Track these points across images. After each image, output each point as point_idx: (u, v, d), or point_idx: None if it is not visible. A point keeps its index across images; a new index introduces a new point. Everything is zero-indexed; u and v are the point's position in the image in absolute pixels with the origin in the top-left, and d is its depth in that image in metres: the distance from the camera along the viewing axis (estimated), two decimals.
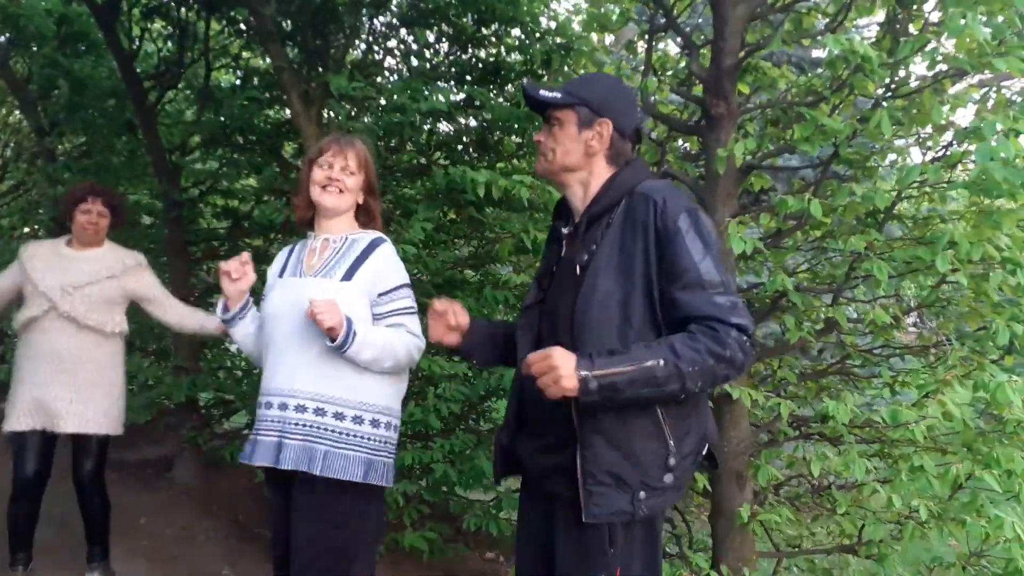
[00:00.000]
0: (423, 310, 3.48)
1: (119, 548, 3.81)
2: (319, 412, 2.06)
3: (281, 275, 2.25)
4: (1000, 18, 2.24)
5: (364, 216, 2.26)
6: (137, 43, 4.76)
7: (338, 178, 2.14)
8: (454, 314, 1.87)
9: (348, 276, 2.10)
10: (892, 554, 2.63)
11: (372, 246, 2.16)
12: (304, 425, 2.06)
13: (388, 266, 2.16)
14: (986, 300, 2.45)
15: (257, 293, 2.32)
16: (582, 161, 1.76)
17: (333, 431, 2.06)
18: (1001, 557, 2.56)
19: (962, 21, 2.02)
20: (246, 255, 2.20)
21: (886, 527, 2.71)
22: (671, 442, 1.64)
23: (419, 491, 3.39)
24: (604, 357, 1.53)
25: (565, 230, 1.83)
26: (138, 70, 4.62)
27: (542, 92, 1.78)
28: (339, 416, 2.07)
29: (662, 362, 1.51)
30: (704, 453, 1.79)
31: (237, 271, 2.18)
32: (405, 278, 2.19)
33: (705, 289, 1.58)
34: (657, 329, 1.63)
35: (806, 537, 3.10)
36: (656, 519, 1.70)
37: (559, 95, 1.76)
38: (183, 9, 4.61)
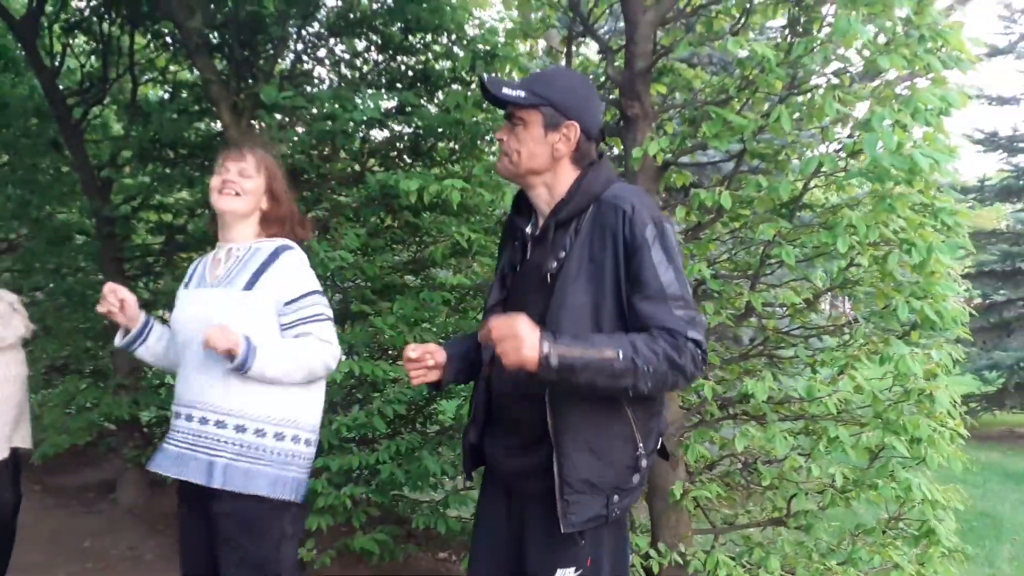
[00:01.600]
0: (363, 316, 3.51)
1: (64, 572, 3.77)
2: (220, 424, 2.04)
3: (187, 286, 2.23)
4: (887, 21, 2.42)
5: (269, 224, 2.20)
6: (59, 59, 4.69)
7: (233, 180, 2.10)
8: (430, 355, 1.80)
9: (249, 285, 2.07)
10: (818, 523, 2.79)
11: (275, 254, 2.12)
12: (206, 437, 2.04)
13: (292, 274, 2.11)
14: (889, 280, 2.63)
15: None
16: (548, 164, 1.72)
17: (235, 444, 2.03)
18: (916, 519, 2.75)
19: (848, 21, 2.18)
20: (108, 286, 2.16)
21: (812, 498, 2.87)
22: (640, 444, 1.67)
23: (366, 493, 3.43)
24: (566, 337, 1.54)
25: (529, 230, 1.80)
26: (61, 87, 4.55)
27: (504, 90, 1.70)
28: (240, 429, 2.04)
29: (621, 355, 1.52)
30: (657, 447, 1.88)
31: (110, 305, 2.13)
32: (313, 285, 2.15)
33: (667, 301, 1.59)
34: None
35: (741, 515, 3.25)
36: (622, 518, 1.75)
37: (522, 94, 1.69)
38: (106, 24, 4.56)
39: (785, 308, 2.97)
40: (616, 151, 3.19)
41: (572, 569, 1.69)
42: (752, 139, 2.53)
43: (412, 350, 1.79)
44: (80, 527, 4.42)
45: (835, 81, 2.68)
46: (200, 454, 2.04)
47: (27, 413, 2.89)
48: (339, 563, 3.62)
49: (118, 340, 2.22)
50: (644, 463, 1.69)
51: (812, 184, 2.75)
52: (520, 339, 1.49)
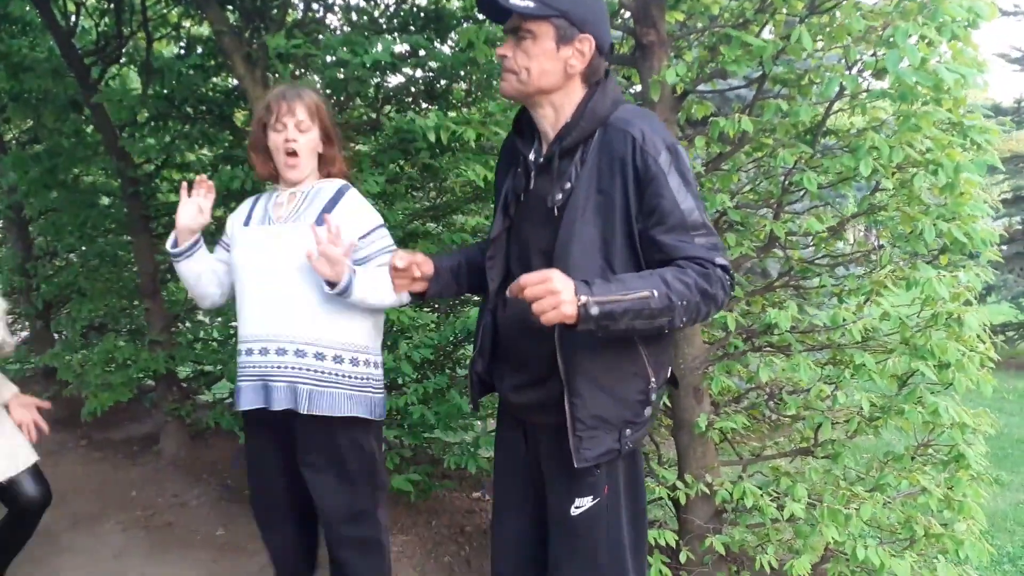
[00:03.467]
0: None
1: (114, 521, 3.94)
2: (299, 354, 2.15)
3: (247, 224, 2.29)
4: None
5: (324, 164, 2.29)
6: (73, 19, 4.68)
7: (293, 139, 2.17)
8: (416, 266, 1.79)
9: (319, 221, 2.13)
10: (845, 452, 2.79)
11: (339, 193, 2.22)
12: (287, 367, 2.15)
13: (359, 209, 2.21)
14: (915, 203, 2.56)
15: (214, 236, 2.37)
16: (560, 82, 1.60)
17: (316, 371, 2.15)
18: (946, 444, 2.74)
19: None
20: (199, 179, 2.24)
21: (840, 428, 2.86)
22: (652, 378, 1.66)
23: (398, 436, 3.50)
24: (600, 284, 1.46)
25: (532, 156, 1.71)
26: (78, 47, 4.55)
27: (512, 0, 1.53)
28: (319, 356, 2.15)
29: (656, 293, 1.46)
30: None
31: (193, 191, 2.22)
32: (380, 219, 2.26)
33: (688, 231, 1.54)
34: (639, 271, 1.57)
35: (768, 446, 3.26)
36: (636, 449, 1.77)
37: (532, 4, 1.54)
38: None
39: (811, 237, 2.92)
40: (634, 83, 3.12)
41: (590, 498, 1.71)
42: (771, 63, 2.44)
43: (399, 259, 1.76)
44: (126, 478, 4.59)
45: None
46: (282, 383, 2.15)
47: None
48: None
49: (169, 246, 2.29)
50: (655, 395, 1.69)
51: (835, 108, 2.67)
52: (557, 295, 1.40)
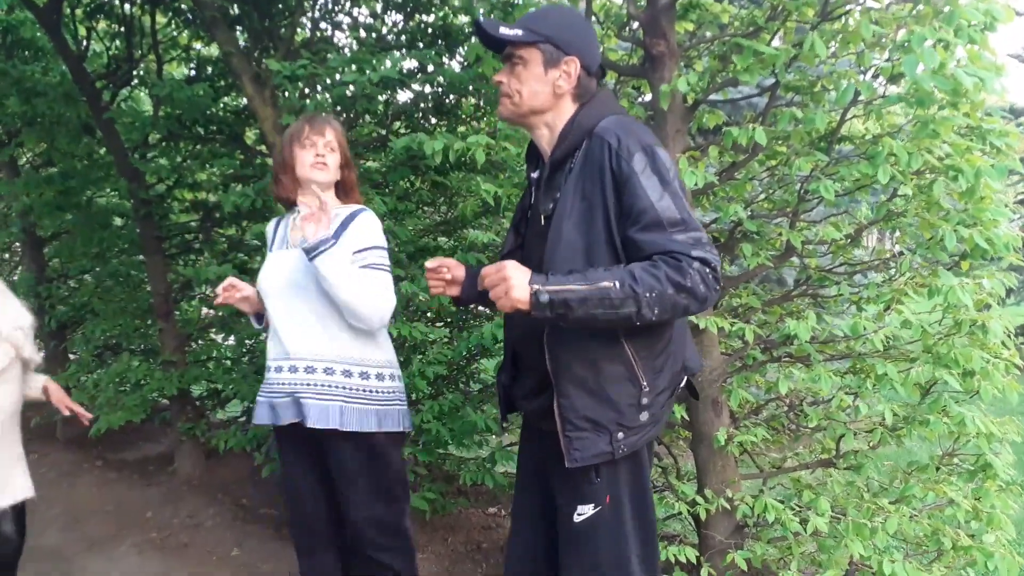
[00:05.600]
0: (396, 280, 3.54)
1: (129, 543, 3.93)
2: (328, 371, 2.24)
3: (271, 250, 2.43)
4: None
5: (342, 191, 2.41)
6: (84, 44, 4.72)
7: (322, 153, 2.30)
8: (448, 269, 1.87)
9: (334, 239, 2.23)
10: (868, 463, 2.73)
11: (354, 214, 2.32)
12: (316, 385, 2.23)
13: (365, 228, 2.30)
14: (935, 209, 2.52)
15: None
16: (550, 102, 1.71)
17: (345, 388, 2.23)
18: (971, 454, 2.68)
19: None
20: (227, 282, 2.39)
21: (862, 438, 2.81)
22: (644, 382, 1.66)
23: (413, 453, 3.47)
24: (559, 275, 1.54)
25: (534, 175, 1.81)
26: (89, 71, 4.58)
27: (502, 30, 1.68)
28: (347, 373, 2.24)
29: (617, 284, 1.50)
30: (683, 384, 1.85)
31: (228, 298, 2.38)
32: (380, 241, 2.32)
33: (665, 228, 1.55)
34: None
35: (789, 457, 3.20)
36: (639, 451, 1.74)
37: (520, 32, 1.68)
38: (127, 5, 4.56)
39: (827, 245, 2.88)
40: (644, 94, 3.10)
41: (591, 506, 1.72)
42: (784, 71, 2.42)
43: (430, 261, 1.86)
44: (142, 499, 4.58)
45: (871, 3, 2.55)
46: (311, 400, 2.22)
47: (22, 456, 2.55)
48: None
49: (257, 325, 2.50)
50: (651, 401, 1.68)
51: (850, 115, 2.63)
52: (507, 280, 1.50)
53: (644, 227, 1.56)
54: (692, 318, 2.67)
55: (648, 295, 1.50)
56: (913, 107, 2.26)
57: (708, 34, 2.99)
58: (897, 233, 2.93)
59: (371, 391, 2.26)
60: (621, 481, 1.73)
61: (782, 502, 2.62)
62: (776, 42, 3.21)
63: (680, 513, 2.75)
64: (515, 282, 1.50)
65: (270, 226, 2.51)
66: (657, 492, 3.09)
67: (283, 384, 2.27)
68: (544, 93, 1.70)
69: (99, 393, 4.68)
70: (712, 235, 3.12)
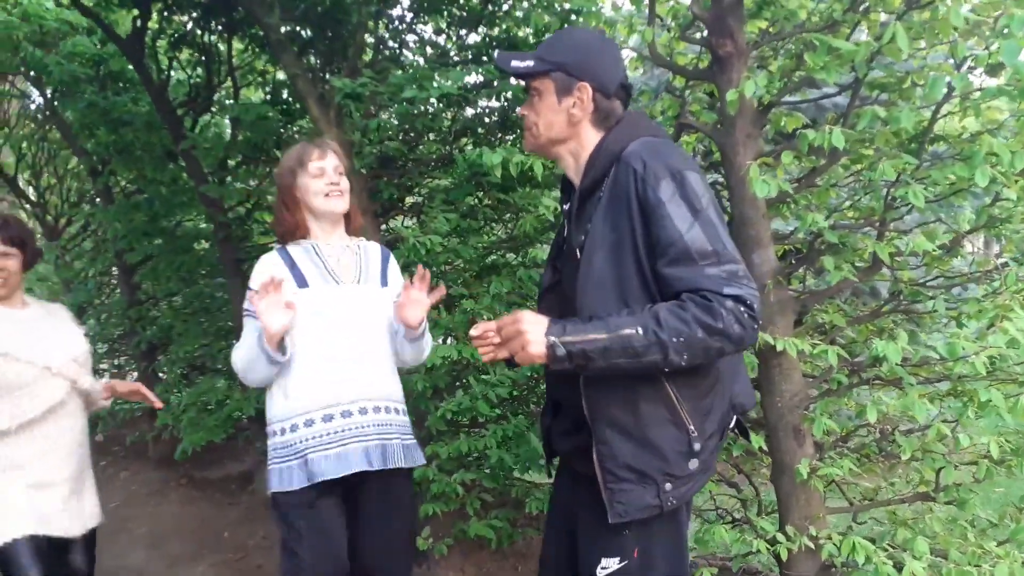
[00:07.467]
0: (458, 299, 3.46)
1: (207, 563, 3.98)
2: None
3: (307, 286, 2.12)
4: None
5: (348, 218, 2.27)
6: (166, 73, 4.89)
7: (336, 181, 2.14)
8: (493, 331, 1.68)
9: (384, 282, 2.23)
10: (973, 497, 2.45)
11: (386, 255, 2.29)
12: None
13: (399, 271, 2.31)
14: None
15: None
16: (567, 131, 1.65)
17: (398, 425, 2.18)
18: None
19: None
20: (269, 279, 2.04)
21: (966, 469, 2.53)
22: (691, 426, 1.52)
23: (478, 478, 3.37)
24: (579, 323, 1.44)
25: (566, 207, 1.73)
26: (171, 98, 4.74)
27: (513, 63, 1.64)
28: (398, 411, 2.19)
29: (640, 330, 1.40)
30: (732, 425, 1.68)
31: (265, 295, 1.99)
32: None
33: (695, 262, 1.43)
34: None
35: (884, 488, 2.92)
36: (679, 508, 1.59)
37: (531, 63, 1.63)
38: (206, 34, 4.70)
39: (920, 257, 2.62)
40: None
41: (616, 560, 1.57)
42: (865, 67, 2.20)
43: (474, 328, 1.69)
44: (221, 518, 4.66)
45: None
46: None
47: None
48: (457, 550, 3.60)
49: (279, 357, 2.06)
50: (700, 446, 1.52)
51: (943, 112, 2.38)
52: (523, 335, 1.44)
53: (672, 260, 1.45)
54: (768, 339, 2.47)
55: (675, 340, 1.40)
56: (1016, 100, 2.00)
57: (778, 31, 2.78)
58: (1002, 241, 2.64)
59: (406, 426, 2.24)
60: (655, 534, 1.57)
61: (873, 541, 2.37)
62: (862, 36, 2.97)
63: (758, 551, 2.53)
64: (531, 336, 1.44)
65: (274, 263, 2.15)
66: (736, 526, 2.87)
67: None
68: (559, 123, 1.64)
69: (183, 414, 4.80)
70: (792, 246, 2.90)
